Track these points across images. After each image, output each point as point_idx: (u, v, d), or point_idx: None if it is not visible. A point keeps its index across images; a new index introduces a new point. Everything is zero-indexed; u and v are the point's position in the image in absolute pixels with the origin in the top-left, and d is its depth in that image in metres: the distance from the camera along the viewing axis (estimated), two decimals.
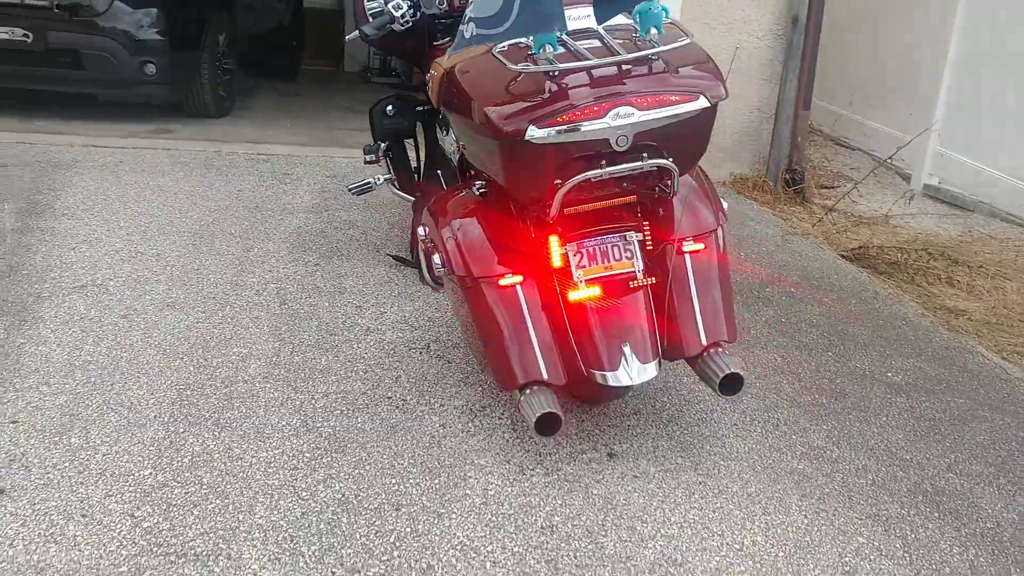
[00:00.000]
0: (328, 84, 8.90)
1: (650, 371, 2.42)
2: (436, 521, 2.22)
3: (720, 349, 2.47)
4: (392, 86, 4.95)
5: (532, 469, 2.47)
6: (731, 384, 2.41)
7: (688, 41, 2.28)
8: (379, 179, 3.77)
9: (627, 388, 2.63)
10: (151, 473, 2.30)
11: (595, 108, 2.14)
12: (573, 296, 2.42)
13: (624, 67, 2.24)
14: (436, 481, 2.38)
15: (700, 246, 2.51)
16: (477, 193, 2.60)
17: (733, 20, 5.67)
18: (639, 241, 2.48)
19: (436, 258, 2.53)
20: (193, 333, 3.07)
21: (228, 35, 6.57)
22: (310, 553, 2.07)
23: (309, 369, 2.90)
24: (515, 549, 2.14)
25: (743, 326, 3.44)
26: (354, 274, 3.69)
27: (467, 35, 2.15)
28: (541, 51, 2.19)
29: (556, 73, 2.20)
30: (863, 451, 2.71)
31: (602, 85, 2.19)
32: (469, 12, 2.17)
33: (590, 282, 2.43)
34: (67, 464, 2.32)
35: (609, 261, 2.45)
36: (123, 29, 5.69)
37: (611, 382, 2.42)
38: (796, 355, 3.33)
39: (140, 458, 2.36)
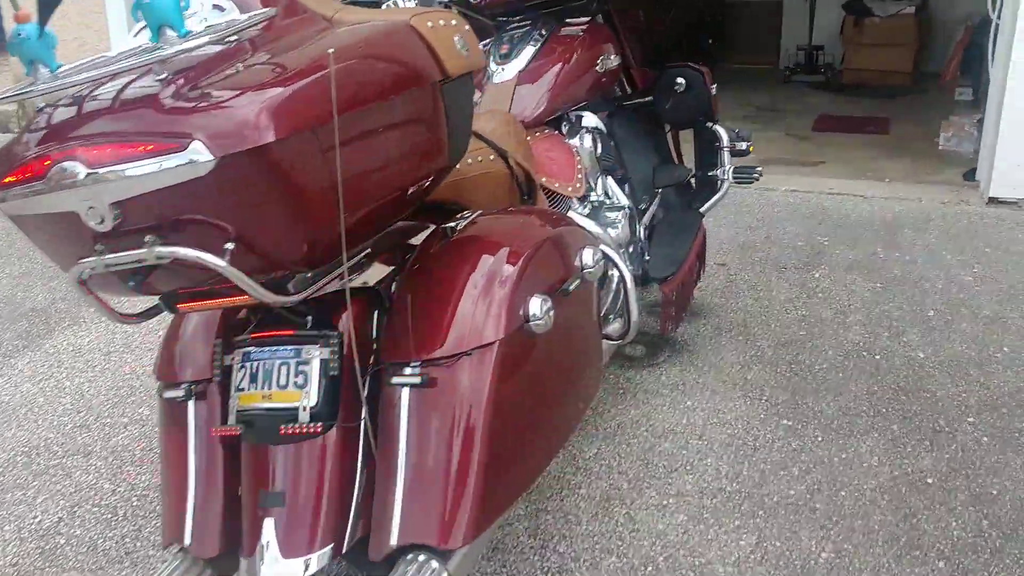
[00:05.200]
0: (740, 83, 7.86)
1: (291, 570, 1.51)
2: None
3: (423, 556, 1.46)
4: None
5: None
6: None
7: (207, 40, 1.29)
8: None
9: None
10: None
11: (38, 164, 1.33)
12: (214, 431, 1.63)
13: (128, 93, 1.36)
14: None
15: (418, 380, 1.51)
16: None
17: None
18: (322, 360, 1.56)
19: None
20: None
21: None
22: None
23: None
24: None
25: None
26: None
27: None
28: (32, 71, 1.42)
29: (43, 106, 1.43)
30: None
31: (60, 127, 1.36)
32: None
33: (242, 413, 1.60)
34: None
35: (272, 386, 1.58)
36: None
37: (242, 570, 1.57)
38: None
39: None
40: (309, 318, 1.55)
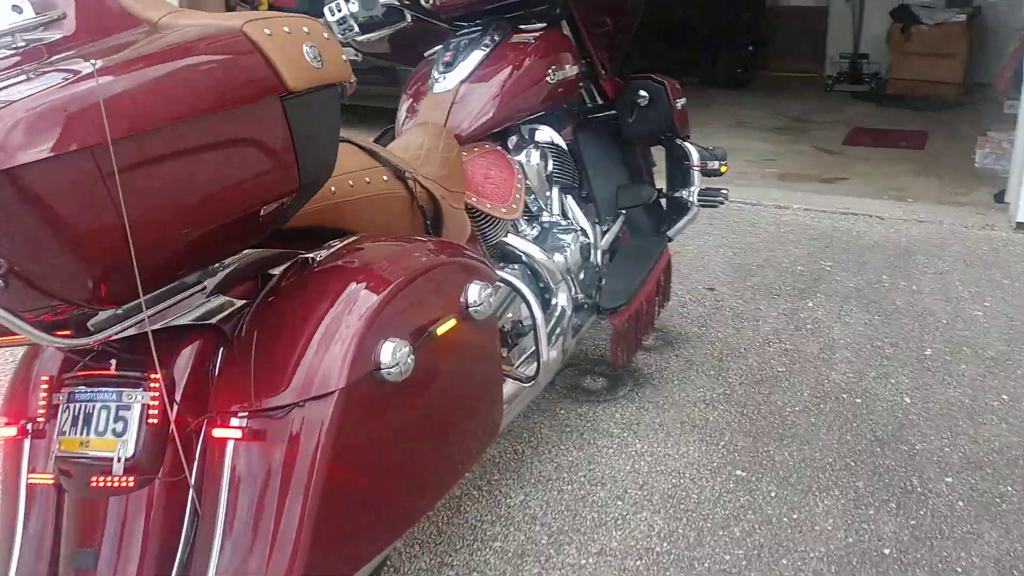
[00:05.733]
0: (778, 92, 7.57)
1: None
2: None
3: None
4: None
5: None
6: None
7: None
8: None
9: None
10: None
11: None
12: (32, 479, 1.48)
13: None
14: None
15: (240, 433, 1.33)
16: None
17: None
18: (144, 406, 1.39)
19: None
20: None
21: None
22: None
23: None
24: None
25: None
26: None
27: None
28: None
29: None
30: None
31: None
32: None
33: (61, 460, 1.44)
34: None
35: (90, 432, 1.42)
36: None
37: None
38: None
39: None
40: (114, 361, 1.38)
